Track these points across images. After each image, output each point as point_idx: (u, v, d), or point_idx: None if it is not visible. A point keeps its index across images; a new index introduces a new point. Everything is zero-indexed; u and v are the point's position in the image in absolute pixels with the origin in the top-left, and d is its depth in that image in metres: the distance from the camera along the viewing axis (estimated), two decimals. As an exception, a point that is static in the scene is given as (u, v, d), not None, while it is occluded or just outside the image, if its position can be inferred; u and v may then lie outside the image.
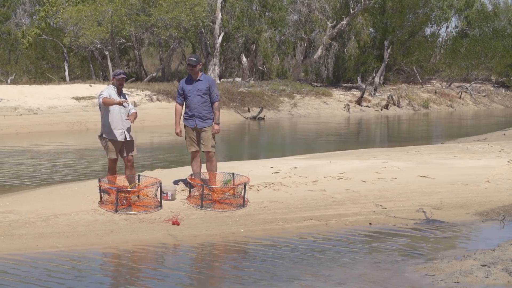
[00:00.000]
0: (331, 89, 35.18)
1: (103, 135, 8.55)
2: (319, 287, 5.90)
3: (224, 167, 9.66)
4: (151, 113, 22.81)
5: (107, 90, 8.55)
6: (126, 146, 8.62)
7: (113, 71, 32.06)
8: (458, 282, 5.77)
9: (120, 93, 8.59)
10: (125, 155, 8.63)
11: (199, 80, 8.73)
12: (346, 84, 38.58)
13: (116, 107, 8.44)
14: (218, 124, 8.80)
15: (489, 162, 11.21)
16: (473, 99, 38.45)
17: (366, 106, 32.39)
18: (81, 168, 13.27)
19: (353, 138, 22.05)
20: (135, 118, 8.63)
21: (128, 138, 8.60)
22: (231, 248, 7.28)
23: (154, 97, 26.11)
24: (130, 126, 8.66)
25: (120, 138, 8.51)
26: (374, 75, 36.83)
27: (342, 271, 6.31)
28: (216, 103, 8.83)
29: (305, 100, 31.29)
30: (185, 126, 8.88)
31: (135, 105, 21.38)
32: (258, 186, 9.15)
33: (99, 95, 8.55)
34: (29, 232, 7.32)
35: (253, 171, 9.87)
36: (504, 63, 42.22)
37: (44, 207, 8.03)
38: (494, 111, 36.25)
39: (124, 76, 8.72)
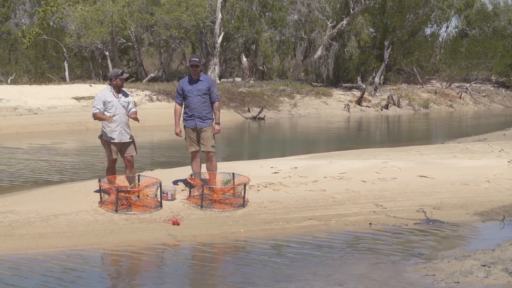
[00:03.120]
0: (331, 89, 35.16)
1: (103, 136, 8.55)
2: (319, 287, 5.90)
3: (224, 167, 9.66)
4: (151, 113, 22.80)
5: (103, 94, 8.49)
6: (126, 147, 8.63)
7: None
8: (458, 282, 5.77)
9: (118, 93, 8.56)
10: (125, 155, 8.64)
11: (199, 80, 8.73)
12: (346, 84, 38.56)
13: (114, 108, 8.42)
14: (218, 124, 8.82)
15: (489, 162, 11.21)
16: (473, 99, 38.44)
17: (366, 106, 32.38)
18: (81, 168, 13.27)
19: (353, 138, 22.05)
20: (136, 116, 8.66)
21: (127, 139, 8.60)
22: (231, 248, 7.28)
23: (154, 97, 26.12)
24: (129, 127, 8.67)
25: (118, 139, 8.51)
26: (374, 75, 36.81)
27: (342, 271, 6.31)
28: (216, 103, 8.84)
29: (305, 100, 31.28)
30: (184, 126, 8.88)
31: (135, 104, 21.37)
32: (258, 186, 9.15)
33: (94, 104, 8.52)
34: (29, 232, 7.32)
35: (253, 171, 9.87)
36: (504, 63, 42.19)
37: (44, 207, 8.03)
38: (494, 111, 36.23)
39: (127, 74, 8.74)
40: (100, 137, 8.62)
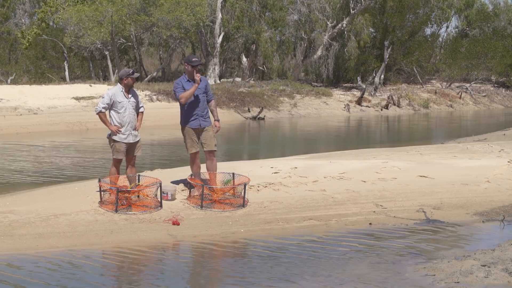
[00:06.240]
0: (331, 89, 35.17)
1: (112, 136, 8.50)
2: (319, 287, 5.89)
3: (224, 167, 9.65)
4: (151, 113, 22.68)
5: (113, 93, 8.40)
6: (132, 147, 8.60)
7: (113, 71, 32.31)
8: (458, 282, 5.77)
9: (128, 92, 8.52)
10: (130, 154, 8.61)
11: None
12: (346, 84, 38.58)
13: (124, 109, 8.40)
14: (218, 121, 8.83)
15: (489, 162, 11.20)
16: (473, 99, 38.45)
17: (366, 106, 32.38)
18: (81, 168, 13.27)
19: (353, 138, 22.05)
20: (140, 123, 8.72)
21: (136, 140, 8.58)
22: (231, 248, 7.28)
23: (154, 97, 26.12)
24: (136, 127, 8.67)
25: (127, 140, 8.48)
26: (374, 75, 36.81)
27: (342, 271, 6.31)
28: (213, 101, 8.87)
29: (305, 100, 31.29)
30: (185, 128, 8.79)
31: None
32: (258, 186, 9.15)
33: (102, 100, 8.47)
34: (29, 232, 7.32)
35: (253, 171, 9.86)
36: (504, 63, 42.19)
37: (44, 207, 8.03)
38: (494, 111, 36.24)
39: (138, 74, 8.78)
40: (109, 136, 8.57)
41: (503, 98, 40.45)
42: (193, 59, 8.75)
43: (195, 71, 8.65)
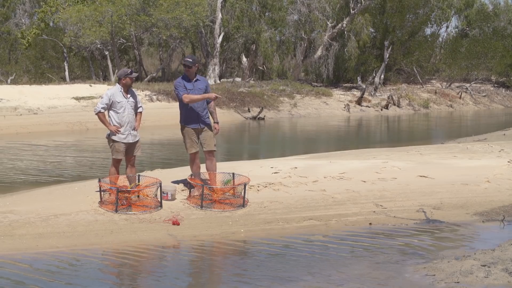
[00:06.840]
0: (331, 89, 35.18)
1: (111, 136, 8.50)
2: (319, 287, 5.90)
3: (224, 167, 9.65)
4: (151, 113, 22.74)
5: (112, 93, 8.38)
6: (132, 147, 8.60)
7: (113, 71, 32.30)
8: (458, 282, 5.77)
9: (127, 92, 8.51)
10: (130, 155, 8.60)
11: (197, 80, 8.73)
12: (346, 84, 38.58)
13: (123, 109, 8.38)
14: (218, 123, 8.82)
15: (489, 162, 11.20)
16: (473, 99, 38.45)
17: (366, 106, 32.39)
18: (81, 168, 13.27)
19: (353, 138, 22.05)
20: (139, 123, 8.69)
21: (135, 140, 8.57)
22: (231, 248, 7.28)
23: (154, 97, 26.12)
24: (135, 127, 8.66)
25: (126, 140, 8.47)
26: (374, 75, 36.81)
27: (342, 271, 6.31)
28: (212, 103, 8.85)
29: (305, 100, 31.29)
30: (185, 128, 8.80)
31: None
32: (258, 186, 9.15)
33: (101, 100, 8.48)
34: (29, 232, 7.32)
35: (253, 171, 9.86)
36: (504, 63, 42.20)
37: (44, 207, 8.03)
38: (494, 111, 36.24)
39: (136, 73, 8.77)
40: (108, 136, 8.57)
41: (503, 98, 40.46)
42: (185, 59, 8.82)
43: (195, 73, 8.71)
